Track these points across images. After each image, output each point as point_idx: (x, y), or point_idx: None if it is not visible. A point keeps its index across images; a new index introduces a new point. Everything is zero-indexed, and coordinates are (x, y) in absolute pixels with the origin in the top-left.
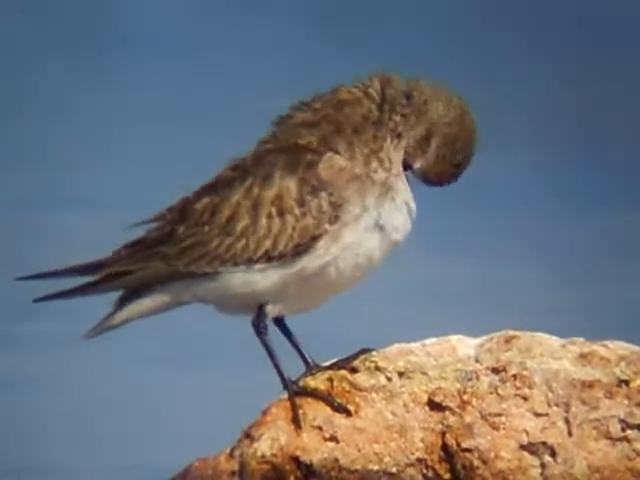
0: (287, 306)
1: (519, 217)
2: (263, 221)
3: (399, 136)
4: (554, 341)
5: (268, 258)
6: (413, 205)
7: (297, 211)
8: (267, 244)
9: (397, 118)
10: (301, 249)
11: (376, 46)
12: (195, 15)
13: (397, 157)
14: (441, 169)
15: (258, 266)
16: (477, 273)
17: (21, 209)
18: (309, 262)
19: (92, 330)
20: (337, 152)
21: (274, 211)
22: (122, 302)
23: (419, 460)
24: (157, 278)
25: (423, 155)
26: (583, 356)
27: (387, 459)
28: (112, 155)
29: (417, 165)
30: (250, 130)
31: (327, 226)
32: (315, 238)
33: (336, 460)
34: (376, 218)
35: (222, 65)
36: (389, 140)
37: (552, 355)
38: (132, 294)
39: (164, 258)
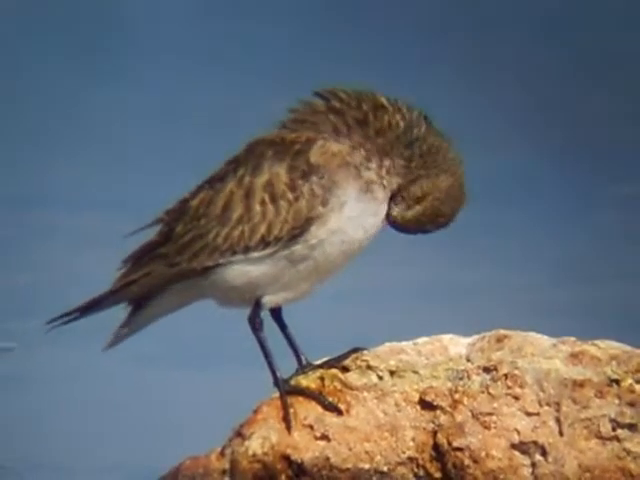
0: (281, 295)
1: (510, 218)
2: (257, 208)
3: (407, 169)
4: (545, 340)
5: (265, 244)
6: (379, 221)
7: (290, 195)
8: (262, 230)
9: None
10: (296, 232)
11: (375, 45)
12: (196, 13)
13: (393, 177)
14: (420, 224)
15: (255, 254)
16: (468, 273)
17: (18, 207)
18: (300, 246)
19: (109, 342)
20: (334, 139)
21: (267, 197)
22: (133, 310)
23: (410, 459)
24: (160, 282)
25: (408, 207)
26: (574, 355)
27: (378, 458)
28: (112, 153)
29: (397, 211)
30: (249, 128)
31: (320, 208)
32: (309, 220)
33: (327, 459)
34: (356, 210)
35: (222, 63)
36: (395, 160)
37: (543, 354)
38: (140, 301)
39: (165, 258)
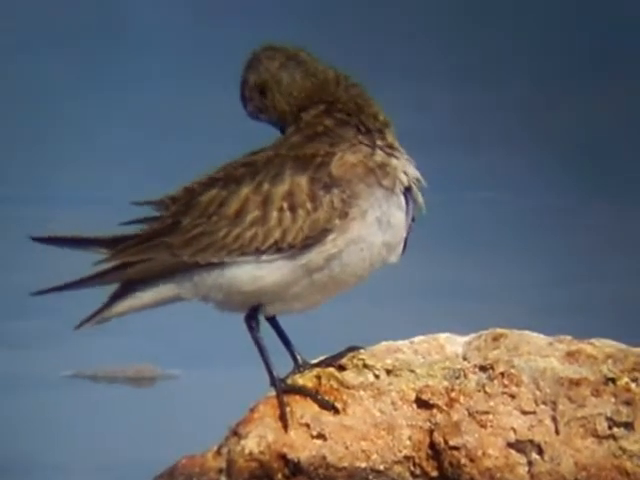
0: (288, 305)
1: (507, 216)
2: (274, 214)
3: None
4: (541, 339)
5: (277, 249)
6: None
7: (309, 205)
8: (276, 234)
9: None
10: (310, 242)
11: (375, 42)
12: (189, 14)
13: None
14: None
15: (266, 257)
16: (465, 271)
17: (12, 205)
18: (316, 255)
19: (86, 321)
20: (347, 144)
21: (285, 205)
22: (119, 294)
23: (407, 458)
24: (161, 270)
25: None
26: (570, 354)
27: (375, 457)
28: (111, 151)
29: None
30: (241, 128)
31: (337, 221)
32: (325, 232)
33: (324, 458)
34: (381, 212)
35: (216, 63)
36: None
37: (539, 353)
38: (130, 286)
39: (169, 248)
